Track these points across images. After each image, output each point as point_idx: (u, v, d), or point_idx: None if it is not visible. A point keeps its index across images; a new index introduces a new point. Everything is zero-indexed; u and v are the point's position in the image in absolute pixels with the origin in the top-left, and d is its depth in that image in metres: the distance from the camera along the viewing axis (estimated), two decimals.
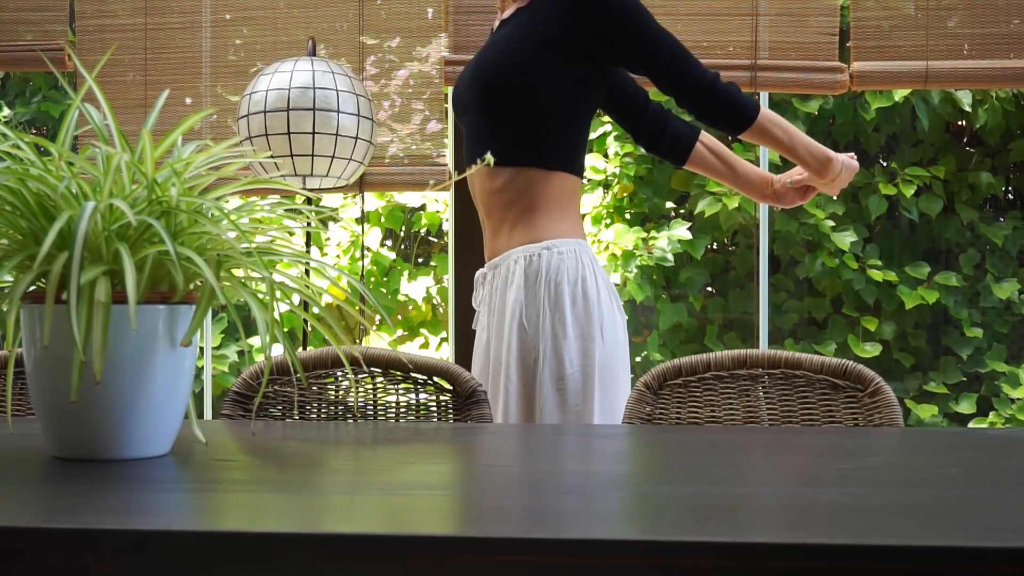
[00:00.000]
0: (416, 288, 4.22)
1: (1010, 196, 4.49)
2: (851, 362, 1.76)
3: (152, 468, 1.14)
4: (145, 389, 1.16)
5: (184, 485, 1.11)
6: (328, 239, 4.23)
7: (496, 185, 2.05)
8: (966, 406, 4.10)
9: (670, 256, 4.05)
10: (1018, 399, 4.08)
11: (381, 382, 1.86)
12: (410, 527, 0.92)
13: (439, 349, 4.22)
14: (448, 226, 3.81)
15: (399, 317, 4.24)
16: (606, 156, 4.20)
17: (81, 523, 0.89)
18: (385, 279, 4.23)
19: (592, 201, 4.16)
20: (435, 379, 1.83)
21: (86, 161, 1.20)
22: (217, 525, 0.94)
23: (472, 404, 1.77)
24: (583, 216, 3.70)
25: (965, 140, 4.41)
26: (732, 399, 1.80)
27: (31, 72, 4.48)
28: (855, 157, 2.17)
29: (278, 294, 1.19)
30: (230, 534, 0.86)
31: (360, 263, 4.06)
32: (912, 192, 4.10)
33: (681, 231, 4.08)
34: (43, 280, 1.16)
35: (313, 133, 2.58)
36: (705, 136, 2.27)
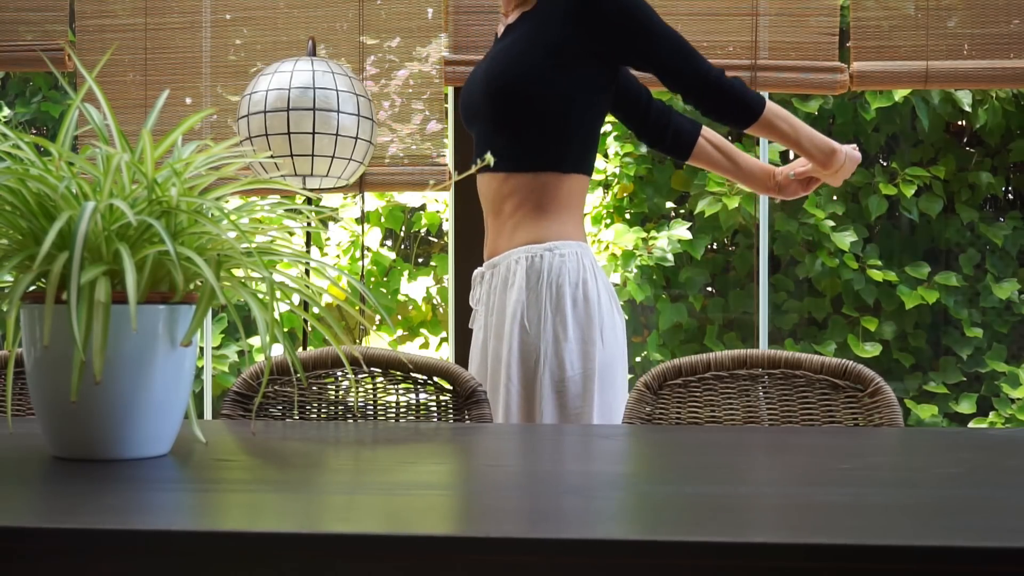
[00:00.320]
0: (416, 288, 4.21)
1: (1010, 196, 4.49)
2: (851, 362, 1.76)
3: (152, 468, 1.14)
4: (145, 389, 1.16)
5: (184, 485, 1.11)
6: (328, 239, 4.23)
7: (509, 190, 2.04)
8: (966, 406, 4.10)
9: (670, 256, 4.05)
10: (1018, 399, 4.08)
11: (381, 382, 1.86)
12: (410, 527, 0.92)
13: (439, 349, 4.22)
14: (448, 226, 3.81)
15: (399, 317, 4.24)
16: (606, 156, 4.20)
17: (81, 523, 0.89)
18: (385, 279, 4.23)
19: (592, 201, 4.16)
20: (435, 379, 1.83)
21: (86, 161, 1.20)
22: (217, 525, 0.94)
23: (472, 404, 1.77)
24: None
25: (965, 140, 4.41)
26: (732, 399, 1.79)
27: (31, 72, 4.48)
28: (858, 148, 2.18)
29: (278, 294, 1.19)
30: (230, 534, 0.86)
31: (360, 263, 4.06)
32: (912, 192, 4.10)
33: (681, 231, 4.08)
34: (43, 280, 1.16)
35: (313, 133, 2.57)
36: (707, 131, 2.27)
